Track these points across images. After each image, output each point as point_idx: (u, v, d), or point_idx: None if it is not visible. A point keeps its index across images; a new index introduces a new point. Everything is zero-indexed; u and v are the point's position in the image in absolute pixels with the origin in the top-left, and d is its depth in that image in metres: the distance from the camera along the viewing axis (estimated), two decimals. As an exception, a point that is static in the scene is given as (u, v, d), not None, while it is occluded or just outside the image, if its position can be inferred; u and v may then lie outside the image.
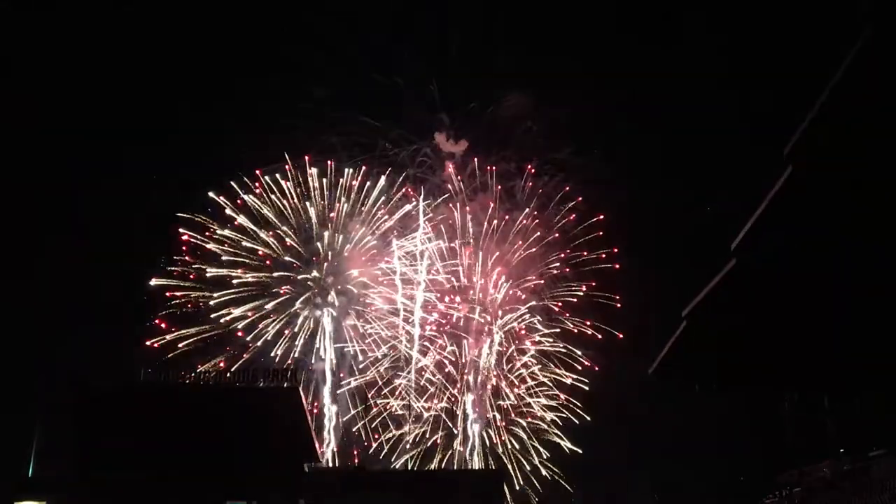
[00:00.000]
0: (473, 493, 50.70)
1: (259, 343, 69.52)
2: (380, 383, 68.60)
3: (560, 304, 72.59)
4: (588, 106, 65.20)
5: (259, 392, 52.70)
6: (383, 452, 69.10)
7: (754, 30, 62.83)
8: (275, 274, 71.39)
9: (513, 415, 71.23)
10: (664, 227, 67.64)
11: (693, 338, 27.00)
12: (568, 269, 72.36)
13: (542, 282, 72.54)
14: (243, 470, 47.81)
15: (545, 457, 70.90)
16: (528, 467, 70.89)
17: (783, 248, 15.62)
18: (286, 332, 70.84)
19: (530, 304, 71.86)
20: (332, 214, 71.85)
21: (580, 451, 70.54)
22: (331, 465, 66.70)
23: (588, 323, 71.26)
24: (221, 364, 65.42)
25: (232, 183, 69.78)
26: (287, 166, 69.93)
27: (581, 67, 66.78)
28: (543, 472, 70.72)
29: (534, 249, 72.37)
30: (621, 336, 70.86)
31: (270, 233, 70.80)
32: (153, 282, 68.32)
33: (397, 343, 69.74)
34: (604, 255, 71.18)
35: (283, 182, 70.85)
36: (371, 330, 69.79)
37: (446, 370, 71.16)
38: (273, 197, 70.98)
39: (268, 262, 71.09)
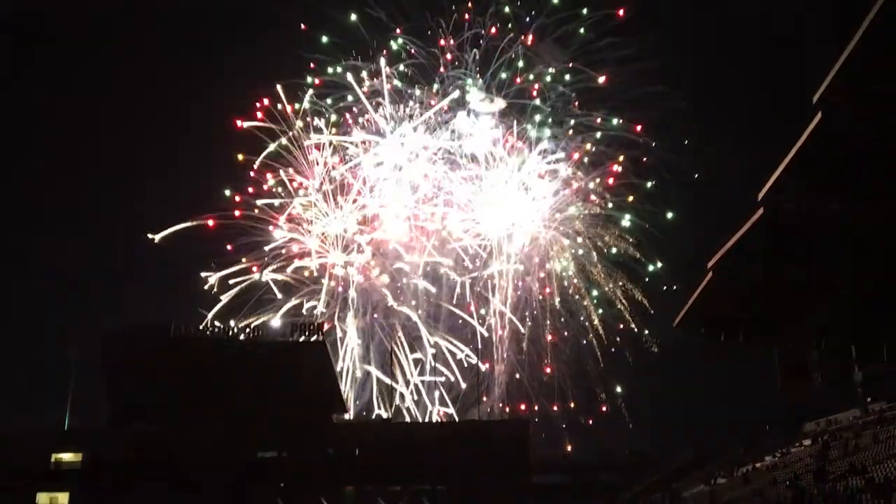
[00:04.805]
0: (502, 441, 51.19)
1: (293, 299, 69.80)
2: None
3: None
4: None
5: (288, 346, 53.41)
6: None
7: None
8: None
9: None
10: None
11: (719, 289, 26.85)
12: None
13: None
14: (273, 421, 48.75)
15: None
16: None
17: (811, 196, 15.32)
18: (321, 284, 70.81)
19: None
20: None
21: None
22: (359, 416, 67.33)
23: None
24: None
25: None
26: None
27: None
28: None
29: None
30: None
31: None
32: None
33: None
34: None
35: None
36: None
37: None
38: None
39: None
